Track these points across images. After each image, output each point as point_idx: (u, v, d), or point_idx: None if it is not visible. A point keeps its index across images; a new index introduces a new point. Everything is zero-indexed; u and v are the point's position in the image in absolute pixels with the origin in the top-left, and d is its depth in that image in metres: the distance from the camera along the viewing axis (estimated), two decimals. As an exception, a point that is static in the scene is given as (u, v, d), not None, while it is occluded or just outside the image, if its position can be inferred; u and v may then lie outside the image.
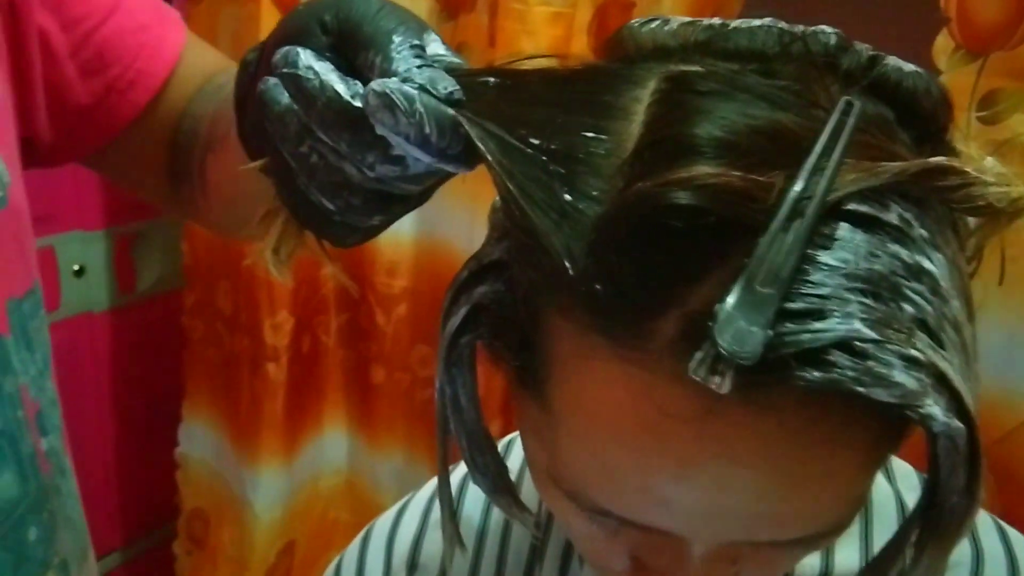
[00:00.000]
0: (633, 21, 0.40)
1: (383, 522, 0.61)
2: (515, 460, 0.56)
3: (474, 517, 0.57)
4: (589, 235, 0.33)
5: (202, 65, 0.66)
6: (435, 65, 0.38)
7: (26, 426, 0.58)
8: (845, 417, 0.33)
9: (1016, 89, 0.73)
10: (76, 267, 1.34)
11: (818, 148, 0.32)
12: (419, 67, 0.38)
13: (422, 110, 0.36)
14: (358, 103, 0.38)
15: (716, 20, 0.38)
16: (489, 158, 0.35)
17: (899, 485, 0.53)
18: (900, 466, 0.54)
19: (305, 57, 0.39)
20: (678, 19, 0.39)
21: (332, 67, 0.39)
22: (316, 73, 0.39)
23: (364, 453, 1.33)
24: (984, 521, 0.53)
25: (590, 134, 0.35)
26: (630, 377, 0.33)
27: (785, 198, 0.31)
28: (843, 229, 0.32)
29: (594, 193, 0.34)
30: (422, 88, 0.36)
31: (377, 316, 1.23)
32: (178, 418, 1.41)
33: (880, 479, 0.53)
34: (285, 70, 0.39)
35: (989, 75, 0.74)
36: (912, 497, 0.53)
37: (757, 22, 0.38)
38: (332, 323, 1.31)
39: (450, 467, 0.46)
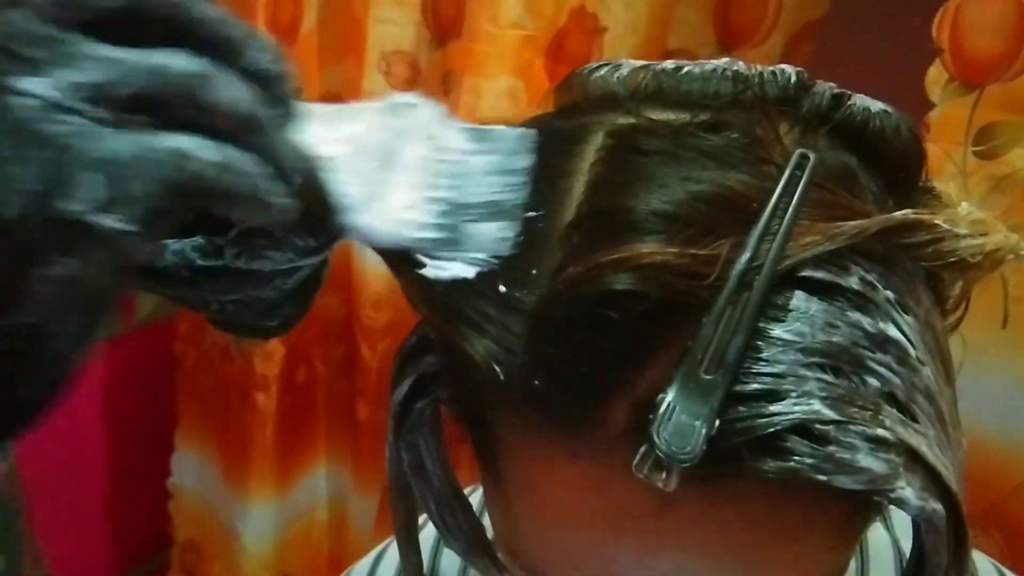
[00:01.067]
0: (583, 67, 0.38)
1: (359, 570, 0.59)
2: None
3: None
4: (524, 328, 0.30)
5: None
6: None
7: None
8: (811, 502, 0.30)
9: (1015, 122, 0.70)
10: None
11: (768, 211, 0.29)
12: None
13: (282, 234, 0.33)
14: (232, 260, 0.34)
15: (670, 64, 0.36)
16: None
17: (897, 533, 0.51)
18: (898, 512, 0.51)
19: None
20: (630, 64, 0.36)
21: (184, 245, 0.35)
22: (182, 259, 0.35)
23: (351, 489, 1.30)
24: (985, 568, 0.51)
25: (530, 214, 0.33)
26: (583, 472, 0.31)
27: (731, 270, 0.28)
28: (797, 299, 0.29)
29: (533, 272, 0.31)
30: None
31: (363, 350, 1.19)
32: (172, 447, 1.40)
33: (878, 526, 0.51)
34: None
35: (985, 108, 0.71)
36: (909, 545, 0.51)
37: (711, 65, 0.35)
38: (332, 354, 1.29)
39: (421, 522, 0.44)
